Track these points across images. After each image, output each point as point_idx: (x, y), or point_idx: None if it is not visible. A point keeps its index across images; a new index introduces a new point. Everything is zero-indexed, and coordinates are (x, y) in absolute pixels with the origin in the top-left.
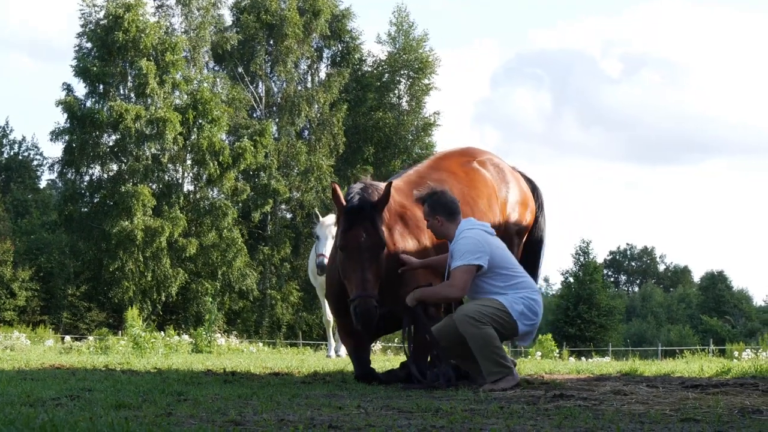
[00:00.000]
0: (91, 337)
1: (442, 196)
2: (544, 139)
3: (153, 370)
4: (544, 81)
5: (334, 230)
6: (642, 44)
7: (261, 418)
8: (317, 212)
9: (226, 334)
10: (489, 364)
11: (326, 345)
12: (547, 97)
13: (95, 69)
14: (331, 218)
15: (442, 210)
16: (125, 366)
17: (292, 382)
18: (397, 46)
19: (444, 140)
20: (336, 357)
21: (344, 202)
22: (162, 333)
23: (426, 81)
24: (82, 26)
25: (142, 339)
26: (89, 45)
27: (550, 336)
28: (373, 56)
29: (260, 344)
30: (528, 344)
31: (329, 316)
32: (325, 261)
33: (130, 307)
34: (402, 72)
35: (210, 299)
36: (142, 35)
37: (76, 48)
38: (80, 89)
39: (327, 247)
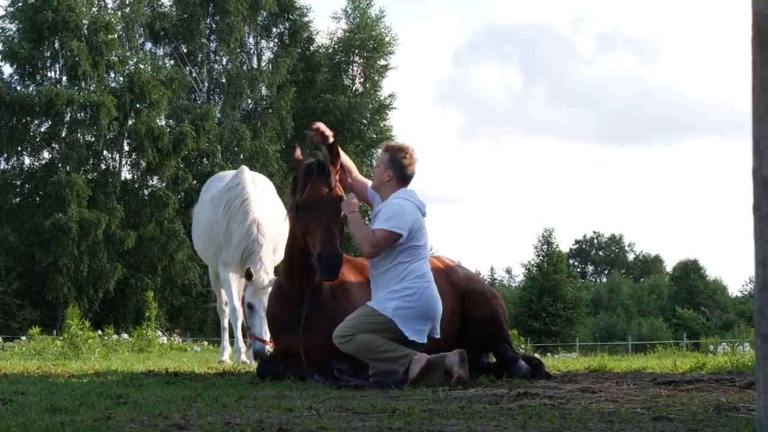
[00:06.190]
0: (24, 337)
1: (406, 159)
2: (511, 120)
3: (90, 372)
4: (512, 57)
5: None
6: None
7: (206, 422)
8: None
9: (168, 332)
10: (384, 365)
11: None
12: (516, 74)
13: (23, 51)
14: (266, 280)
15: (399, 169)
16: (61, 368)
17: (239, 383)
18: (352, 22)
19: (401, 124)
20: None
21: (301, 158)
22: (100, 332)
23: (382, 62)
24: (9, 6)
25: (78, 338)
26: (14, 26)
27: (516, 332)
28: (325, 35)
29: (205, 343)
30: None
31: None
32: (268, 348)
33: (68, 305)
34: (356, 52)
35: (150, 295)
36: (73, 14)
37: (1, 29)
38: (8, 72)
39: (265, 325)
